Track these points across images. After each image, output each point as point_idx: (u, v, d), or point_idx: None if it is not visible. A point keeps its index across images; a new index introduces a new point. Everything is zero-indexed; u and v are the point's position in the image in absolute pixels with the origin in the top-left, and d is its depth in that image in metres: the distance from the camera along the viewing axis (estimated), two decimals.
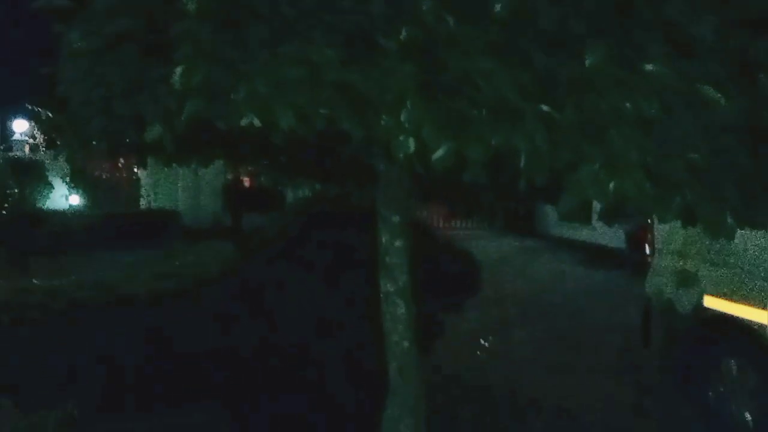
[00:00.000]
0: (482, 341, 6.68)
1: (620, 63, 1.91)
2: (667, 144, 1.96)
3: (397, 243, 3.79)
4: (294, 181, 5.26)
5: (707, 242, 5.42)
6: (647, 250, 6.44)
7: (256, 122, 2.22)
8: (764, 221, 2.13)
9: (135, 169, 15.71)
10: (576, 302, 9.26)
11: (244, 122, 2.24)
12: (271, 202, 12.34)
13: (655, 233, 6.28)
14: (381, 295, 3.87)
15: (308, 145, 3.27)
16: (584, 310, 8.78)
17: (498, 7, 1.98)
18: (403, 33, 2.00)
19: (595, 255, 12.91)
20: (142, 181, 16.46)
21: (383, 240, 3.81)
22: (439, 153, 2.12)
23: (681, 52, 1.96)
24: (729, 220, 2.07)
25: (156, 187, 16.20)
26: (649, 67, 1.91)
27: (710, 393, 5.34)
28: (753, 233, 4.84)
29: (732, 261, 5.21)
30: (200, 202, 16.13)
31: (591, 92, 1.89)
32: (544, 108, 1.93)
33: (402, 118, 2.06)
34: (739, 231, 2.29)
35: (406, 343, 3.89)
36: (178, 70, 2.24)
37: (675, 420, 5.48)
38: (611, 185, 1.97)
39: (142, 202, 16.48)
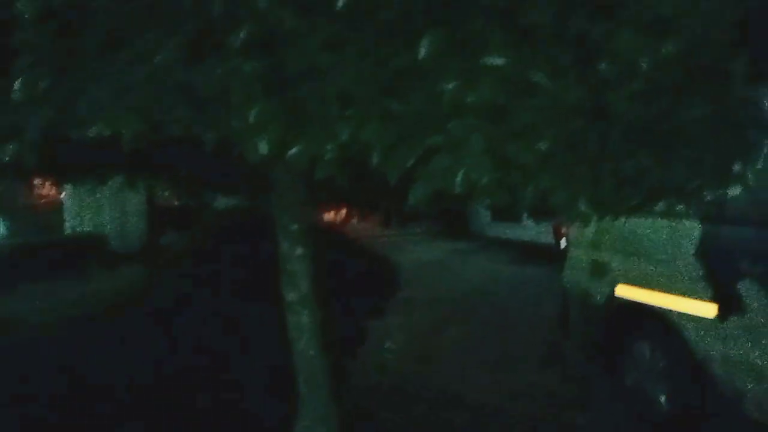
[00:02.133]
0: (387, 344, 6.67)
1: (458, 52, 1.91)
2: (513, 131, 1.97)
3: (298, 251, 3.74)
4: (197, 194, 5.16)
5: (618, 232, 5.56)
6: (563, 243, 6.59)
7: (105, 131, 2.14)
8: (616, 207, 2.17)
9: (61, 193, 15.13)
10: (505, 300, 9.38)
11: (92, 132, 2.15)
12: (195, 218, 12.06)
13: (570, 225, 6.42)
14: (285, 304, 3.81)
15: (197, 154, 3.20)
16: (512, 307, 8.90)
17: (340, 2, 1.95)
18: (244, 31, 1.95)
19: (526, 252, 13.14)
20: (67, 205, 15.84)
21: (283, 248, 3.76)
22: (292, 151, 2.08)
23: (520, 38, 1.97)
24: (582, 206, 2.10)
25: (81, 210, 15.64)
26: (488, 55, 1.92)
27: (627, 378, 5.47)
28: (663, 222, 5.01)
29: (641, 250, 5.36)
30: (127, 225, 15.66)
31: (430, 82, 1.88)
32: (388, 101, 1.91)
33: (251, 119, 2.01)
34: (650, 220, 2.33)
35: (311, 352, 3.83)
36: (18, 81, 2.14)
37: (596, 406, 5.58)
38: (460, 175, 1.97)
39: (67, 227, 15.87)
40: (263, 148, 2.06)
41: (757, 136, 2.59)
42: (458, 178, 1.95)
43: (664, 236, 5.16)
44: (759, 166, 3.86)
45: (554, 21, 2.02)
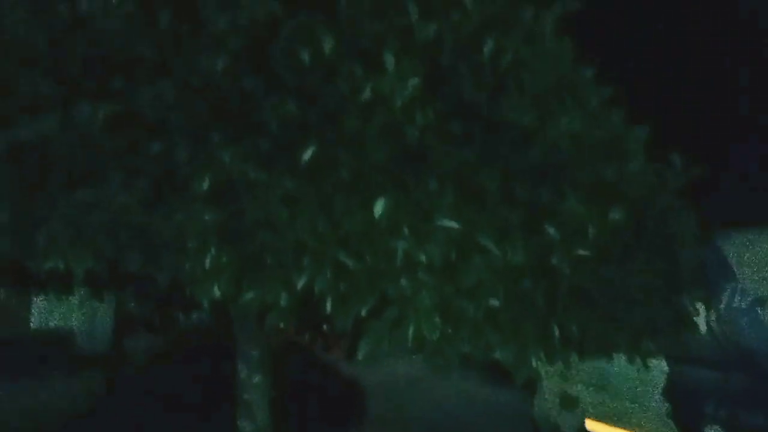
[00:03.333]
0: None
1: (412, 212, 1.98)
2: (462, 288, 2.01)
3: (256, 379, 3.66)
4: (162, 310, 5.10)
5: (588, 365, 5.53)
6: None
7: (60, 265, 2.15)
8: (566, 358, 2.19)
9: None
10: (475, 425, 9.10)
11: (47, 266, 2.16)
12: (161, 321, 11.75)
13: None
14: None
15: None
16: None
17: (306, 156, 2.04)
18: (206, 181, 2.02)
19: (503, 373, 12.86)
20: (35, 300, 15.41)
21: (242, 375, 3.68)
22: (248, 296, 2.10)
23: (470, 201, 2.06)
24: (533, 361, 2.11)
25: (50, 306, 15.25)
26: (439, 216, 1.99)
27: None
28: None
29: (611, 385, 5.32)
30: (96, 323, 15.24)
31: (384, 239, 1.94)
32: (342, 255, 1.96)
33: (206, 264, 2.04)
34: (617, 356, 2.36)
35: None
36: None
37: None
38: (411, 330, 1.99)
39: (34, 323, 15.37)
40: (216, 292, 2.07)
41: (717, 283, 2.66)
42: (409, 333, 1.96)
43: (632, 373, 5.13)
44: (719, 312, 3.93)
45: (503, 185, 2.12)
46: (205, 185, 2.00)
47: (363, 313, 2.07)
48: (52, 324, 15.00)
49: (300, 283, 2.01)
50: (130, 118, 2.20)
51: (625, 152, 2.49)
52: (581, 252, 2.06)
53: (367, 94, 2.09)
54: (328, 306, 2.06)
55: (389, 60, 2.09)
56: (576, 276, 2.08)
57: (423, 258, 1.95)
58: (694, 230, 2.49)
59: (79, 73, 2.31)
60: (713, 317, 3.02)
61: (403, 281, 1.95)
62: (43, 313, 15.32)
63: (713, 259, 3.75)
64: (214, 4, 2.40)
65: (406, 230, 1.96)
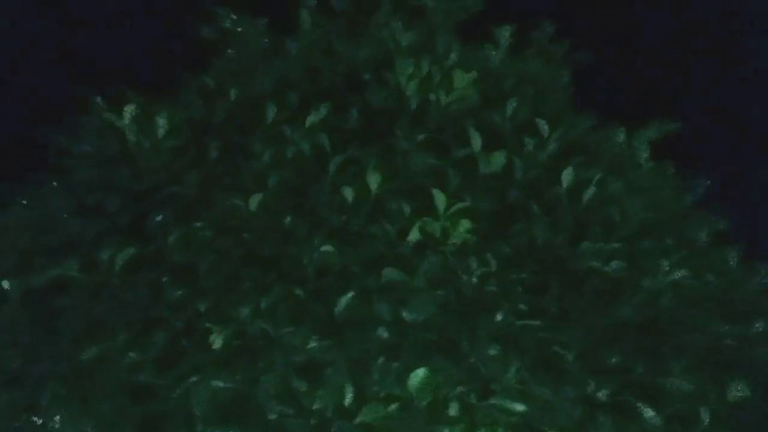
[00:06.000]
0: None
1: (461, 384, 1.58)
2: None
3: None
4: None
5: None
6: None
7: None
8: None
9: None
10: None
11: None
12: None
13: None
14: None
15: None
16: None
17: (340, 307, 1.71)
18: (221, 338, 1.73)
19: None
20: None
21: None
22: None
23: (542, 372, 1.63)
24: None
25: None
26: (500, 394, 1.58)
27: None
28: None
29: None
30: None
31: (419, 420, 1.53)
32: None
33: None
34: None
35: None
36: None
37: None
38: None
39: None
40: None
41: None
42: None
43: None
44: None
45: (584, 352, 1.69)
46: (218, 343, 1.70)
47: None
48: None
49: None
50: (156, 260, 1.99)
51: (748, 305, 1.98)
52: None
53: (414, 235, 1.78)
54: None
55: (438, 198, 1.78)
56: None
57: None
58: None
59: (115, 210, 2.16)
60: None
61: None
62: None
63: None
64: (262, 138, 2.24)
65: (454, 409, 1.55)
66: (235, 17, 2.63)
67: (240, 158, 2.24)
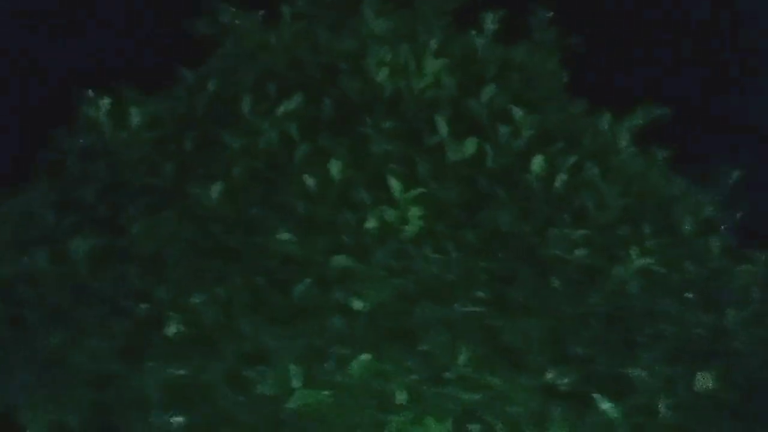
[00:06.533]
0: None
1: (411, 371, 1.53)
2: None
3: None
4: None
5: None
6: None
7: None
8: None
9: None
10: None
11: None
12: None
13: None
14: None
15: None
16: None
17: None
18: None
19: None
20: None
21: None
22: None
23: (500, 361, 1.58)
24: None
25: None
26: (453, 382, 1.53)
27: None
28: None
29: None
30: None
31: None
32: None
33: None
34: None
35: None
36: None
37: None
38: None
39: None
40: None
41: None
42: None
43: None
44: None
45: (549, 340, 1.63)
46: (172, 330, 1.69)
47: None
48: None
49: None
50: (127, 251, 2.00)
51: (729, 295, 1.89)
52: None
53: (371, 223, 1.74)
54: None
55: (396, 186, 1.74)
56: None
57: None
58: None
59: (90, 203, 2.18)
60: None
61: None
62: None
63: None
64: (235, 129, 2.23)
65: (402, 397, 1.51)
66: (234, 10, 2.63)
67: (216, 150, 2.24)
